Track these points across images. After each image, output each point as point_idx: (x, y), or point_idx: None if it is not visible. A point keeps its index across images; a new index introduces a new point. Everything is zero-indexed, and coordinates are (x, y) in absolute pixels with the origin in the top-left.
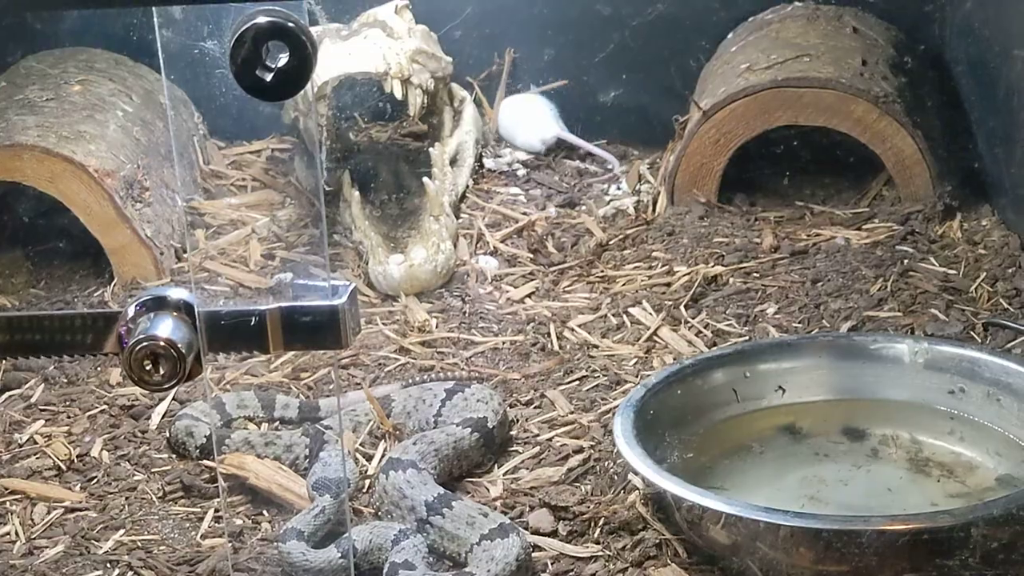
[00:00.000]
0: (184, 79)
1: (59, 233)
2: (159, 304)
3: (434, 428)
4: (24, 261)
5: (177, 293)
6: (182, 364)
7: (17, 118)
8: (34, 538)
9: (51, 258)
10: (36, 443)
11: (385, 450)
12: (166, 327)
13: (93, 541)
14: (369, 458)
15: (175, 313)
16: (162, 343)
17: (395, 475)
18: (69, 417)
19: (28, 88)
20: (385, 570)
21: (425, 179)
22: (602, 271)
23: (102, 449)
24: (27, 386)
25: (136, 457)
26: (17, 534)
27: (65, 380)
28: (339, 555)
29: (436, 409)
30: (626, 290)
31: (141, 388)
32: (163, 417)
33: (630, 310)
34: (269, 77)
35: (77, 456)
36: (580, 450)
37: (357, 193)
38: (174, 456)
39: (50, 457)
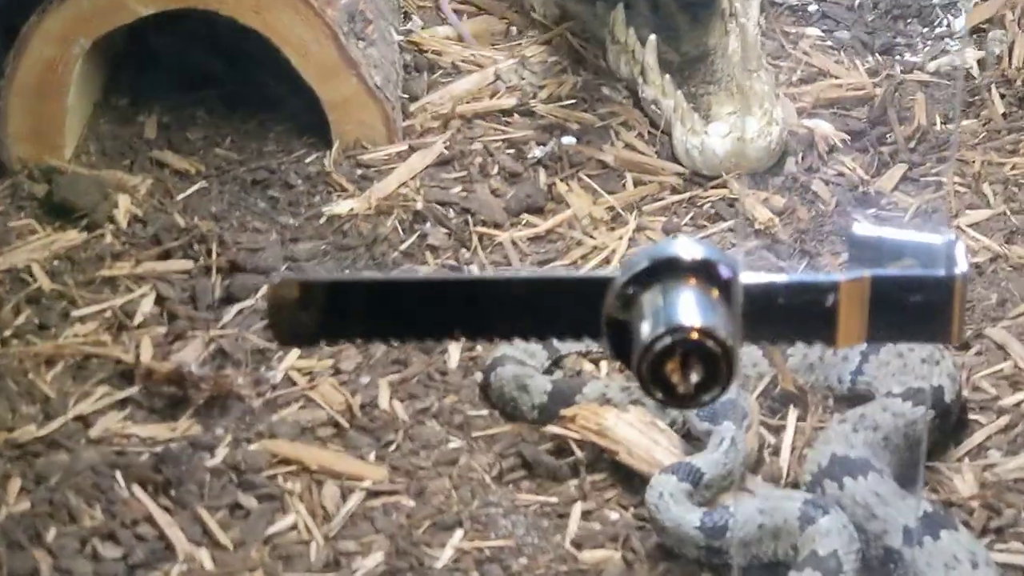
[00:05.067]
0: None
1: (254, 79)
2: (670, 269)
3: (851, 392)
4: (207, 114)
5: (692, 250)
6: (727, 366)
7: None
8: (333, 537)
9: (239, 109)
10: (294, 383)
11: (799, 419)
12: (692, 308)
13: (423, 547)
14: (775, 430)
15: (697, 282)
16: (695, 335)
17: (853, 483)
18: (330, 345)
19: None
20: (801, 558)
21: (741, 20)
22: (973, 148)
23: (391, 398)
24: (260, 295)
25: (444, 413)
26: (308, 528)
27: None
28: (697, 525)
29: (856, 364)
30: (1016, 175)
31: (661, 403)
32: (465, 355)
33: None
34: None
35: (361, 407)
36: None
37: (653, 37)
38: (496, 412)
39: (321, 407)
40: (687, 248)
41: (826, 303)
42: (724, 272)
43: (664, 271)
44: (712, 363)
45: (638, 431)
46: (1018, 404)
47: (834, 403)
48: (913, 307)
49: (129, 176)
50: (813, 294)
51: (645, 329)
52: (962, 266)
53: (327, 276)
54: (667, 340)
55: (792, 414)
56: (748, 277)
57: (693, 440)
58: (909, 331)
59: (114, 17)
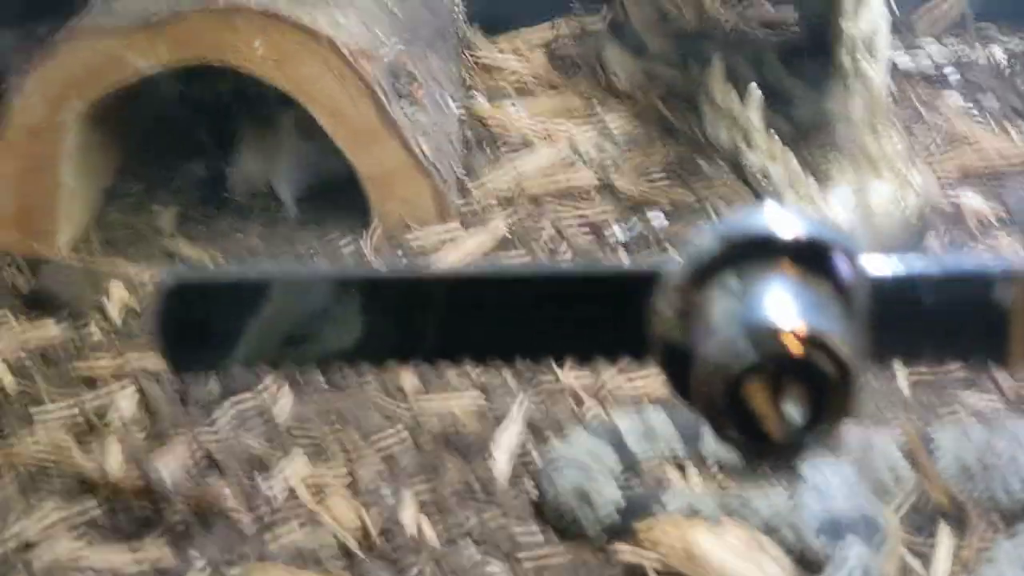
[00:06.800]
0: None
1: None
2: (757, 252)
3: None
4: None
5: (789, 223)
6: (843, 395)
7: None
8: None
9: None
10: (297, 498)
11: (960, 546)
12: (791, 305)
13: None
14: (922, 556)
15: (798, 271)
16: (797, 345)
17: None
18: (346, 450)
19: None
20: None
21: (864, 69)
22: None
23: (419, 514)
24: (263, 388)
25: (485, 534)
26: None
27: (324, 382)
28: None
29: None
30: None
31: (736, 448)
32: (516, 459)
33: None
34: None
35: (380, 532)
36: None
37: (756, 89)
38: (552, 531)
39: (329, 529)
40: (782, 221)
41: (996, 302)
42: (840, 257)
43: (748, 254)
44: (821, 391)
45: (738, 554)
46: None
47: (1002, 520)
48: None
49: (131, 265)
50: (976, 289)
51: (716, 336)
52: None
53: (243, 272)
54: (751, 354)
55: (944, 533)
56: (875, 266)
57: (811, 564)
58: None
59: (111, 75)
